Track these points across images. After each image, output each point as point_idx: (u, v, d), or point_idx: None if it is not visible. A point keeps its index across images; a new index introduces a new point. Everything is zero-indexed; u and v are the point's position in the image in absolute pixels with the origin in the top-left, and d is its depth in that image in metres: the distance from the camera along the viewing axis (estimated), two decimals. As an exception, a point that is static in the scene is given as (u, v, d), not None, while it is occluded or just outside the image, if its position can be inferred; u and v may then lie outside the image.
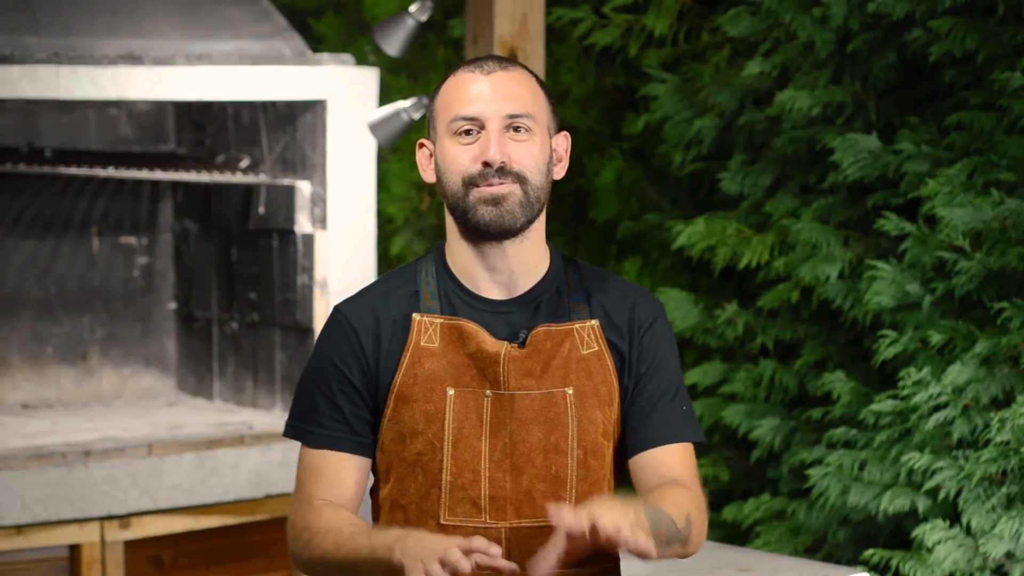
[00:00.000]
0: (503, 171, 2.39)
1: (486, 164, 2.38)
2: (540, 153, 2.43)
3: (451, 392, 2.41)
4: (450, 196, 2.43)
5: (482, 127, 2.40)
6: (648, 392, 2.48)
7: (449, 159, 2.42)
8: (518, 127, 2.41)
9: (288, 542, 2.47)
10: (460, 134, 2.41)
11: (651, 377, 2.48)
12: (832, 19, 4.22)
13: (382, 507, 2.48)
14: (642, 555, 2.20)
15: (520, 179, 2.40)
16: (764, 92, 4.58)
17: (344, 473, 2.45)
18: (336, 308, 2.49)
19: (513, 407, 2.41)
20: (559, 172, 2.50)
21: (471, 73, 2.44)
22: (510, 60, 2.49)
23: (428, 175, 2.49)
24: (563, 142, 2.51)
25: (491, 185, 2.39)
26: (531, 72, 2.48)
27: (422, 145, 2.50)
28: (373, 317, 2.45)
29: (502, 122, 2.40)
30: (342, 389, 2.45)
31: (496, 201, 2.39)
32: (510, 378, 2.41)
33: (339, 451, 2.45)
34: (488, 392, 2.41)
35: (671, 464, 2.47)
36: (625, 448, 2.51)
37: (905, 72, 4.28)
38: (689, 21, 4.90)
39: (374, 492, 2.53)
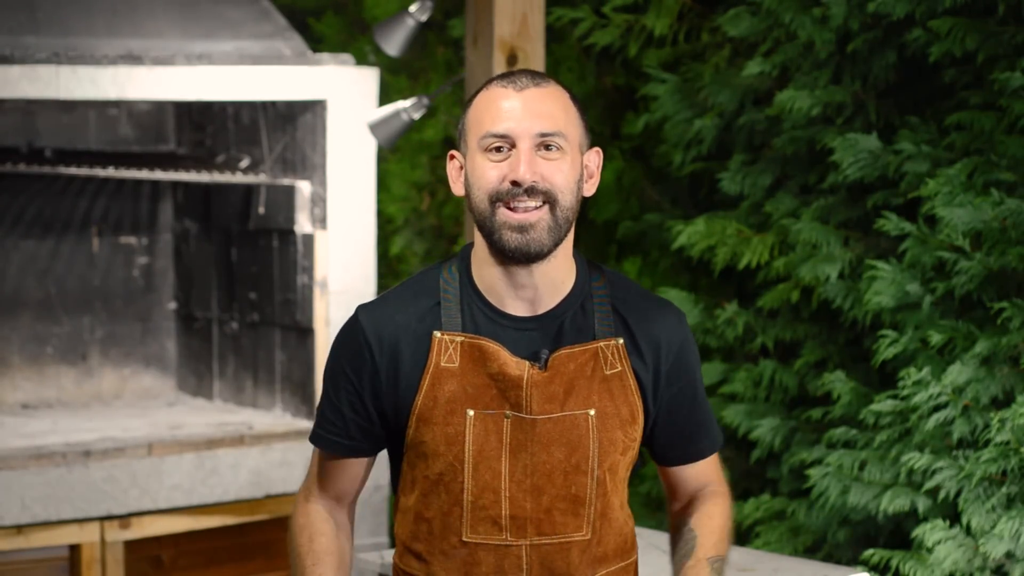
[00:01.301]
0: (533, 190, 2.36)
1: (515, 183, 2.36)
2: (570, 171, 2.40)
3: (471, 414, 2.40)
4: (477, 213, 2.40)
5: (513, 145, 2.37)
6: (684, 410, 2.50)
7: (478, 175, 2.39)
8: (549, 145, 2.38)
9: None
10: (490, 151, 2.38)
11: (683, 396, 2.50)
12: (832, 19, 4.22)
13: (406, 516, 2.49)
14: None
15: (549, 199, 2.37)
16: (764, 92, 4.58)
17: (342, 474, 2.52)
18: (357, 314, 2.48)
19: (535, 430, 2.40)
20: (590, 189, 2.47)
21: (503, 88, 2.40)
22: (543, 76, 2.45)
23: (457, 188, 2.46)
24: (595, 158, 2.48)
25: (519, 204, 2.36)
26: (565, 87, 2.46)
27: (452, 157, 2.47)
28: (392, 329, 2.43)
29: (533, 140, 2.37)
30: (348, 399, 2.46)
31: (522, 228, 2.36)
32: (533, 402, 2.40)
33: (337, 455, 2.50)
34: (508, 413, 2.40)
35: (706, 473, 2.57)
36: (664, 457, 2.55)
37: (905, 72, 4.28)
38: (689, 21, 4.90)
39: (398, 496, 2.54)
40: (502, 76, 2.44)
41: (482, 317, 2.42)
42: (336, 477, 2.52)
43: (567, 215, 2.39)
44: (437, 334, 2.41)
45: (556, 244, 2.39)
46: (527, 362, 2.40)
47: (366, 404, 2.44)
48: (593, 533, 2.44)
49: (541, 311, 2.43)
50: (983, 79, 4.01)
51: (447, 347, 2.41)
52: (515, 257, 2.38)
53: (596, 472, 2.42)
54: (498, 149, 2.38)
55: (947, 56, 4.05)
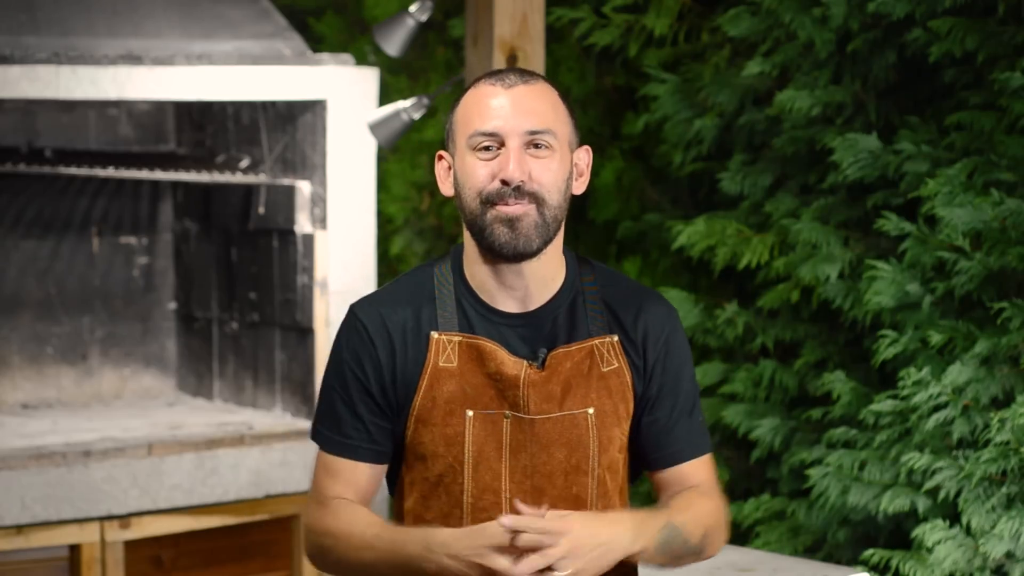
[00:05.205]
0: (520, 191, 2.35)
1: (504, 182, 2.35)
2: (559, 169, 2.39)
3: (470, 414, 2.39)
4: (467, 212, 2.39)
5: (502, 143, 2.36)
6: (668, 408, 2.47)
7: (467, 174, 2.38)
8: (539, 144, 2.37)
9: (306, 545, 2.47)
10: (479, 149, 2.37)
11: (669, 393, 2.47)
12: (832, 19, 4.21)
13: (404, 520, 2.46)
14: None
15: (537, 199, 2.36)
16: (764, 92, 4.58)
17: (360, 477, 2.45)
18: (353, 312, 2.46)
19: (534, 430, 2.39)
20: (579, 187, 2.47)
21: (492, 86, 2.40)
22: (532, 73, 2.44)
23: (446, 188, 2.46)
24: (584, 156, 2.47)
25: (507, 204, 2.36)
26: (553, 85, 2.44)
27: (440, 157, 2.47)
28: (387, 328, 2.42)
29: (522, 139, 2.36)
30: (362, 399, 2.42)
31: (511, 222, 2.35)
32: (530, 402, 2.39)
33: (358, 460, 2.45)
34: (508, 413, 2.39)
35: (693, 477, 2.50)
36: (645, 460, 2.51)
37: (905, 72, 4.28)
38: (689, 21, 4.90)
39: (393, 501, 2.52)
40: (490, 74, 2.43)
41: (475, 315, 2.42)
42: (351, 481, 2.44)
43: (555, 214, 2.39)
44: (435, 334, 2.40)
45: (545, 243, 2.39)
46: (524, 361, 2.39)
47: (378, 401, 2.42)
48: None
49: (532, 307, 2.43)
50: (983, 79, 4.01)
51: (445, 347, 2.40)
52: (504, 253, 2.37)
53: (597, 471, 2.42)
54: (487, 148, 2.37)
55: (947, 56, 4.05)
